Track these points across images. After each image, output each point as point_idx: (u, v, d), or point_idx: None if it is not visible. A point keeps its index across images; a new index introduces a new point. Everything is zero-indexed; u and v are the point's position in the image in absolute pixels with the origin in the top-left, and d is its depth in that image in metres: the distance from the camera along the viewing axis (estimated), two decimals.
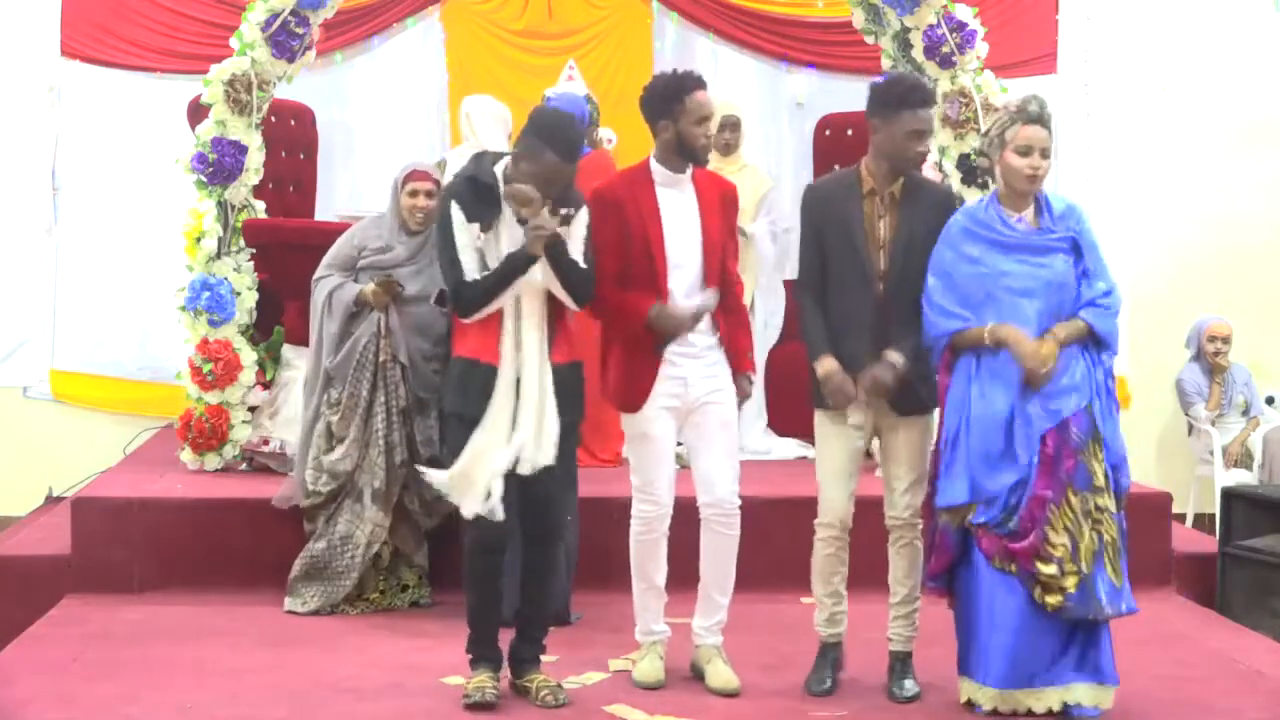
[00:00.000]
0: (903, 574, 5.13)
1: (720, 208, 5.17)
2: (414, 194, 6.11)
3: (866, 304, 4.99)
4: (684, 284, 5.07)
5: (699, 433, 5.15)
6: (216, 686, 5.17)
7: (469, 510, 4.87)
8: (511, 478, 4.88)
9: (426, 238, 6.03)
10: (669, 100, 5.05)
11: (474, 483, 4.85)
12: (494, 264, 4.86)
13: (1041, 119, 4.86)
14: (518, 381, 4.88)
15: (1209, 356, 8.88)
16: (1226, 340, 8.87)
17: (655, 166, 5.13)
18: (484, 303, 4.87)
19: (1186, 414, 8.95)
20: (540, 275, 4.88)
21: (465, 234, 4.88)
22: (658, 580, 5.19)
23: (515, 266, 4.84)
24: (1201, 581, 6.75)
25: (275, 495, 6.37)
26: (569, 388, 4.97)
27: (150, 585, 6.33)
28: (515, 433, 4.86)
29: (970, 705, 4.92)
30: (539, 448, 4.86)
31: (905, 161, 5.03)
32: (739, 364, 5.24)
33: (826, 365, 4.99)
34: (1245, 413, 8.90)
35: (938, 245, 4.95)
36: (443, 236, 4.94)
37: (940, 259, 4.92)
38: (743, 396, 5.27)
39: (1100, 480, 4.83)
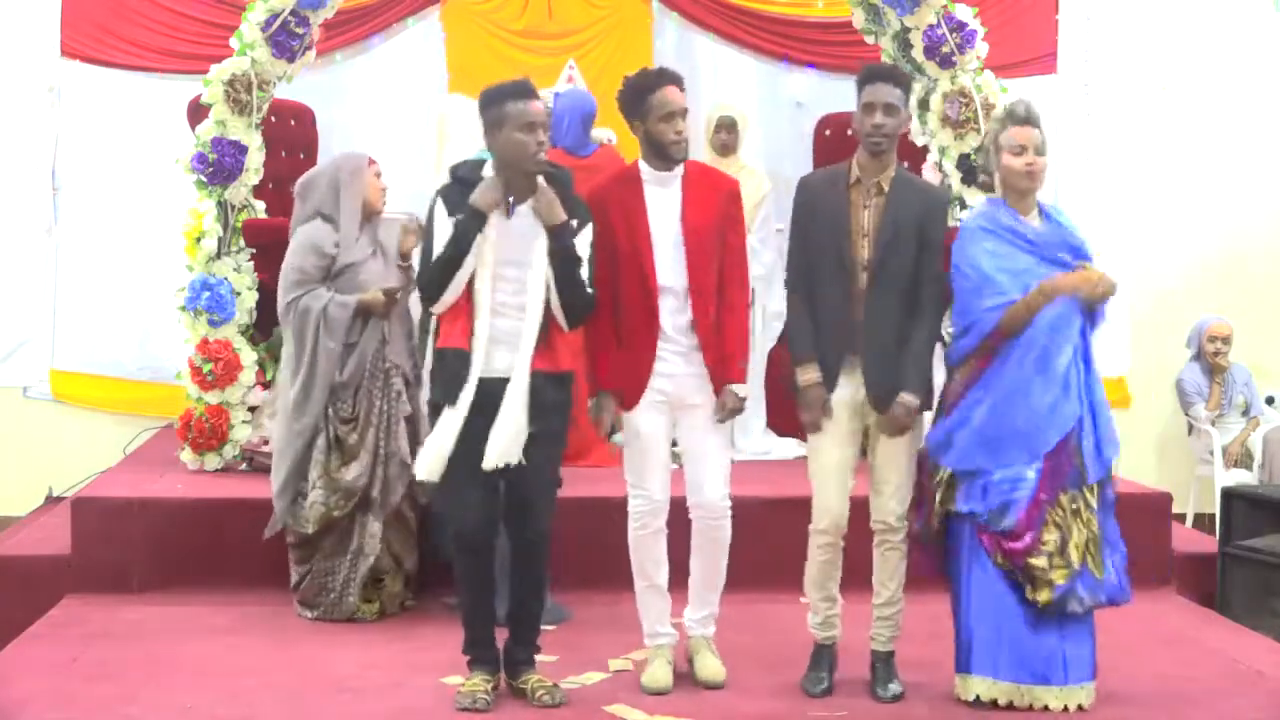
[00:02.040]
0: (887, 576, 5.14)
1: (714, 203, 5.10)
2: (379, 174, 6.17)
3: (845, 296, 5.00)
4: (668, 281, 5.04)
5: (688, 434, 5.15)
6: (216, 686, 5.17)
7: (421, 473, 4.89)
8: (494, 481, 4.90)
9: (374, 224, 6.16)
10: (636, 99, 5.06)
11: (435, 454, 4.87)
12: (485, 263, 4.85)
13: (1029, 119, 4.96)
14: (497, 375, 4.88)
15: (1209, 356, 8.88)
16: (1227, 340, 8.87)
17: (643, 165, 5.14)
18: (441, 281, 4.87)
19: (1186, 414, 8.95)
20: (541, 277, 4.89)
21: (445, 227, 4.90)
22: (658, 579, 5.18)
23: (464, 229, 4.83)
24: (1201, 581, 6.75)
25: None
26: (544, 397, 4.91)
27: (150, 585, 6.33)
28: (494, 425, 4.85)
29: (977, 701, 4.93)
30: (508, 447, 4.84)
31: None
32: (721, 372, 5.05)
33: (808, 375, 5.01)
34: (1245, 413, 8.89)
35: (956, 249, 5.03)
36: (425, 234, 5.00)
37: (963, 258, 4.98)
38: (725, 410, 5.07)
39: (1089, 478, 4.94)
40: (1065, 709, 4.90)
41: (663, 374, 5.07)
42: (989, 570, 4.91)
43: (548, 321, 4.95)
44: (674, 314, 5.06)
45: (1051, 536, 4.86)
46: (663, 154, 5.05)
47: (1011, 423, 4.88)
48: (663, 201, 5.08)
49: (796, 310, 5.09)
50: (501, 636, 5.13)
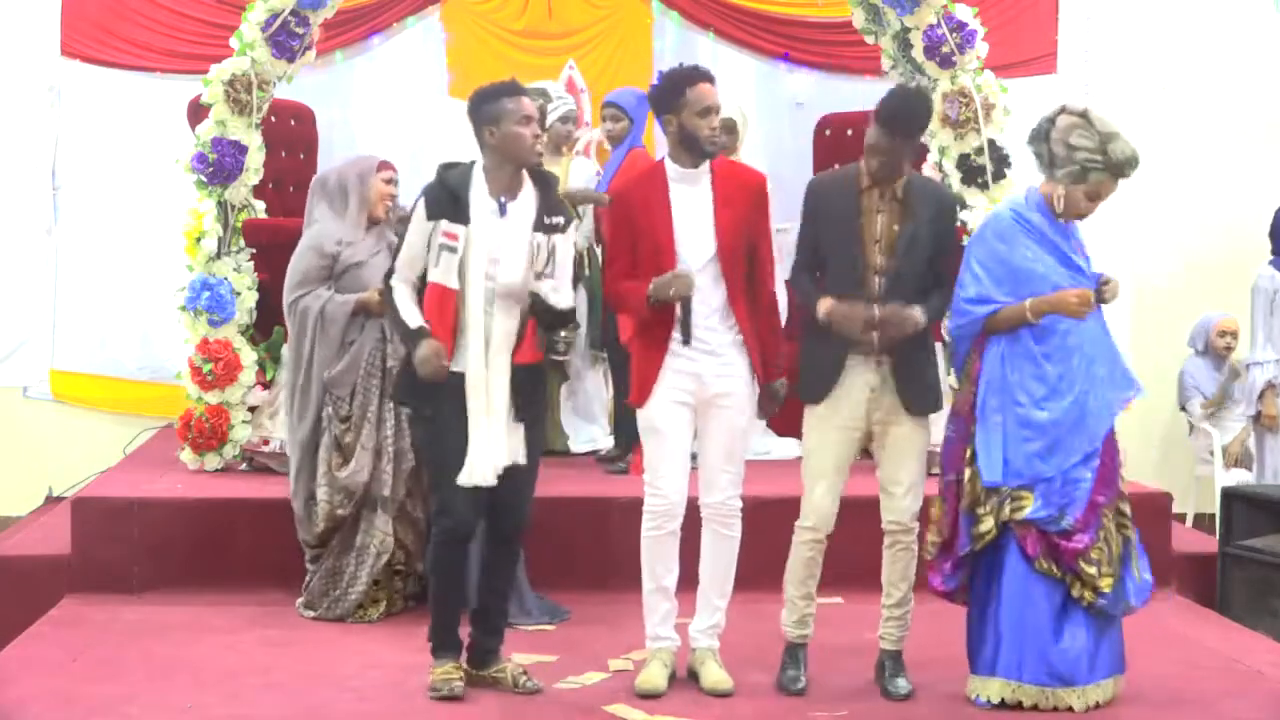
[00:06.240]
0: (898, 576, 5.13)
1: (743, 199, 5.10)
2: (389, 182, 6.17)
3: (855, 300, 4.98)
4: (699, 280, 5.01)
5: (706, 432, 5.13)
6: (216, 686, 5.17)
7: (466, 479, 4.89)
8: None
9: (383, 226, 6.16)
10: (672, 94, 5.04)
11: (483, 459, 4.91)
12: (468, 268, 4.87)
13: (1124, 175, 4.88)
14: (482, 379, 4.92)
15: (1220, 351, 8.87)
16: (1235, 335, 8.86)
17: (668, 163, 5.12)
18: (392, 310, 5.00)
19: (1183, 408, 8.94)
20: (520, 277, 4.92)
21: (419, 231, 4.94)
22: (666, 582, 5.16)
23: (403, 335, 5.01)
24: (1201, 581, 6.75)
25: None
26: (526, 391, 4.98)
27: (150, 585, 6.33)
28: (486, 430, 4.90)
29: (1001, 704, 4.92)
30: (513, 446, 4.93)
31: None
32: (769, 374, 5.12)
33: (826, 304, 4.97)
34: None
35: (980, 238, 5.03)
36: (403, 227, 5.09)
37: (987, 252, 4.96)
38: (770, 405, 5.16)
39: (1124, 485, 5.01)
40: (1086, 708, 4.90)
41: (689, 373, 5.05)
42: (1028, 574, 4.89)
43: (524, 317, 4.98)
44: (703, 313, 5.04)
45: (1105, 544, 4.89)
46: (695, 149, 5.05)
47: (1059, 417, 4.88)
48: (690, 200, 5.06)
49: (805, 281, 5.11)
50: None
